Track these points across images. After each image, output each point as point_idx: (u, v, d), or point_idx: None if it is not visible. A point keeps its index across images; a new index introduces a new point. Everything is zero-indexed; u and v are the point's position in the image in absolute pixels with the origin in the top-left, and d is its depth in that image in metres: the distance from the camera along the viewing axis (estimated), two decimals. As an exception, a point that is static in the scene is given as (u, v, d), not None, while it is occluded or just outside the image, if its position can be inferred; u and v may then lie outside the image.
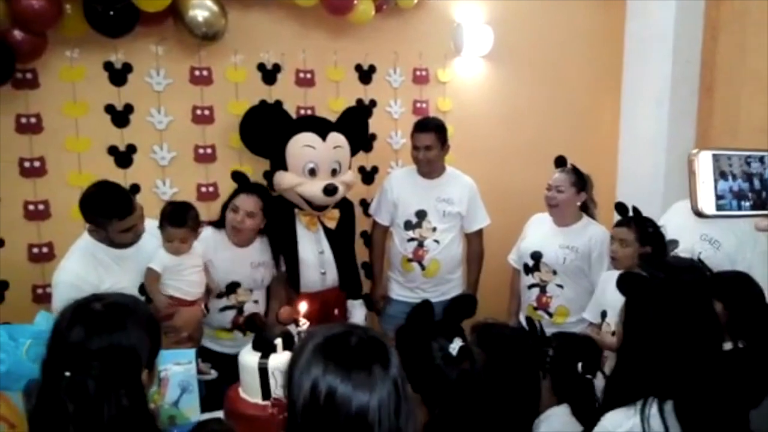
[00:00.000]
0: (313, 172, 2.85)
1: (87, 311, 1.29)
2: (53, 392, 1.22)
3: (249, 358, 1.99)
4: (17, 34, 2.56)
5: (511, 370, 1.51)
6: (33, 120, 2.81)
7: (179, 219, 2.43)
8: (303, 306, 2.15)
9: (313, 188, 2.82)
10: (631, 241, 2.51)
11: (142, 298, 2.40)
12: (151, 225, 2.45)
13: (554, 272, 2.93)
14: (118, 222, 2.27)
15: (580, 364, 1.88)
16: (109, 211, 2.26)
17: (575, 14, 3.81)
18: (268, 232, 2.76)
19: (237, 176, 2.78)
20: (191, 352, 2.06)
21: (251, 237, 2.72)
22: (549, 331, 2.87)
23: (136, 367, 1.29)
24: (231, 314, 2.71)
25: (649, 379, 1.35)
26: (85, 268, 2.28)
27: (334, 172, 2.90)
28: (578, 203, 2.95)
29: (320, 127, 2.93)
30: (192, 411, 1.99)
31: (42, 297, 2.84)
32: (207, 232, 2.67)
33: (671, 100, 3.63)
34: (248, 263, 2.71)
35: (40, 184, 2.86)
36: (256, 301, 2.78)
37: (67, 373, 1.21)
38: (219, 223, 2.71)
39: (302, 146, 2.86)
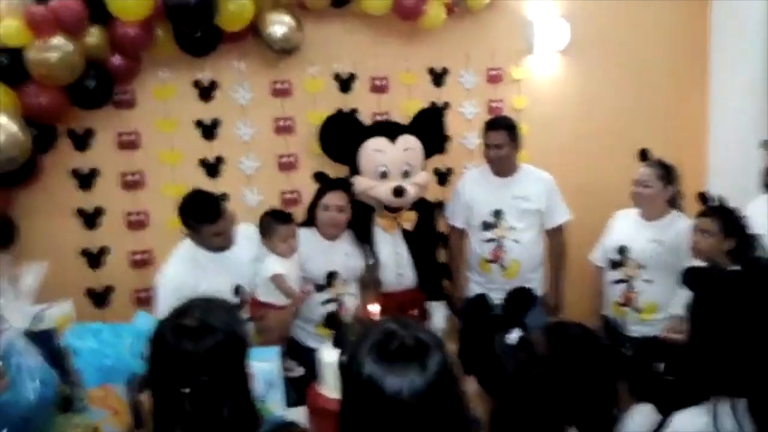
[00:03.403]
0: (384, 175, 2.95)
1: (188, 317, 1.32)
2: (170, 403, 1.28)
3: (328, 354, 2.08)
4: (115, 59, 2.80)
5: (580, 369, 1.49)
6: (132, 137, 3.06)
7: (284, 216, 2.65)
8: (376, 306, 2.21)
9: (384, 190, 2.92)
10: (715, 232, 2.41)
11: (237, 300, 2.55)
12: (244, 230, 2.62)
13: (641, 267, 2.83)
14: (208, 226, 2.44)
15: (662, 365, 1.81)
16: (200, 215, 2.44)
17: (655, 1, 3.66)
18: (350, 225, 2.88)
19: (319, 176, 2.92)
20: (275, 349, 2.17)
21: (342, 230, 2.85)
22: (636, 328, 2.82)
23: (244, 362, 1.35)
24: (332, 307, 2.81)
25: (719, 376, 1.31)
26: (185, 270, 2.47)
27: (405, 174, 2.98)
28: (667, 197, 2.84)
29: (390, 131, 3.01)
30: (277, 405, 2.08)
31: (143, 300, 3.06)
32: (299, 232, 2.78)
33: (767, 87, 3.41)
34: (342, 253, 2.84)
35: (139, 195, 3.11)
36: (352, 293, 2.87)
37: (186, 390, 1.26)
38: (308, 223, 2.83)
39: (372, 151, 2.98)
